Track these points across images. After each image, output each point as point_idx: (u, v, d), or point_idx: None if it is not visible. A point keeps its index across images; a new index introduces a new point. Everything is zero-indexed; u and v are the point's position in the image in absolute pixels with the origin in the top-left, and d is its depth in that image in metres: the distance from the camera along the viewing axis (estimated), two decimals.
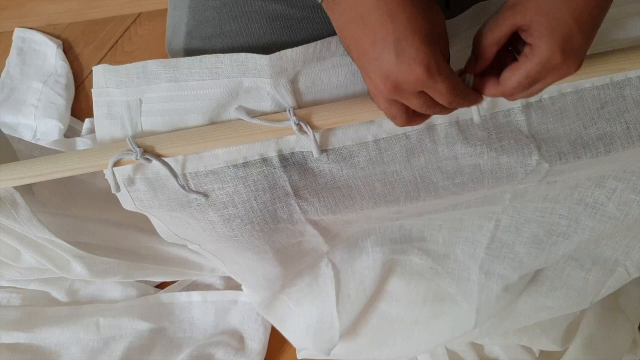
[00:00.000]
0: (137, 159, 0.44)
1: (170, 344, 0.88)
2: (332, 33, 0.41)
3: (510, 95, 0.39)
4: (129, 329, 0.86)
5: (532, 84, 0.37)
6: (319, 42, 0.43)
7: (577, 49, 0.35)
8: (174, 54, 0.50)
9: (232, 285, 0.92)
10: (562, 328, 0.77)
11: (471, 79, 0.40)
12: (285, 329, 0.80)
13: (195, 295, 0.90)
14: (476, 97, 0.39)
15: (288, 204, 0.49)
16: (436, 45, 0.34)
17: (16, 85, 1.03)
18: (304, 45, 0.43)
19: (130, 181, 0.48)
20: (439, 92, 0.36)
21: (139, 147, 0.44)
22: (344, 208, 0.50)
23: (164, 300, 0.89)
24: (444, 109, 0.39)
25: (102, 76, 0.46)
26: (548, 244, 0.63)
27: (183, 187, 0.46)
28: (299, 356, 0.87)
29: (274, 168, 0.46)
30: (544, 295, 0.71)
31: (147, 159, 0.44)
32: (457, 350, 0.83)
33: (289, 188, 0.48)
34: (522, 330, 0.77)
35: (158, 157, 0.45)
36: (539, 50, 0.35)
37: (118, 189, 0.47)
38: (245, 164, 0.46)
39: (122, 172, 0.47)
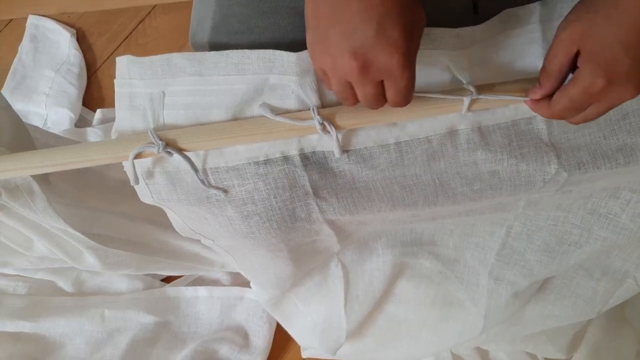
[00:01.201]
0: (158, 152, 0.44)
1: (175, 338, 0.88)
2: None
3: (562, 118, 0.39)
4: (134, 321, 0.86)
5: (578, 108, 0.37)
6: None
7: (626, 73, 0.34)
8: (198, 48, 0.50)
9: (238, 281, 0.92)
10: (568, 336, 0.77)
11: (474, 91, 0.42)
12: (291, 327, 0.80)
13: (202, 290, 0.90)
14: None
15: (307, 203, 0.49)
16: (414, 39, 0.33)
17: (28, 73, 1.03)
18: None
19: (150, 174, 0.47)
20: (398, 87, 0.35)
21: (161, 140, 0.44)
22: (362, 209, 0.50)
23: (170, 294, 0.89)
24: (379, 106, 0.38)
25: (125, 67, 0.46)
26: (559, 252, 0.63)
27: (203, 182, 0.46)
28: (304, 355, 0.87)
29: (294, 166, 0.46)
30: (551, 303, 0.71)
31: (169, 152, 0.44)
32: (463, 355, 0.83)
33: (308, 187, 0.47)
34: (528, 337, 0.77)
35: (180, 151, 0.44)
36: (582, 75, 0.35)
37: (137, 181, 0.47)
38: (267, 162, 0.46)
39: (142, 164, 0.47)
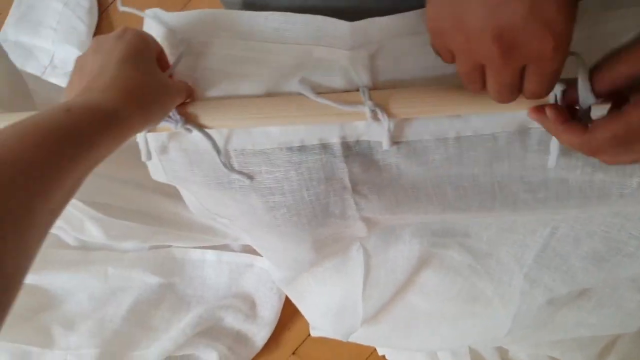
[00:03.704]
0: (176, 129, 0.37)
1: (180, 301, 0.84)
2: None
3: (596, 152, 0.31)
4: (138, 281, 0.82)
5: (622, 146, 0.29)
6: (412, 12, 0.35)
7: None
8: (229, 5, 0.42)
9: (249, 248, 0.87)
10: (599, 346, 0.72)
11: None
12: (303, 305, 0.76)
13: (210, 254, 0.86)
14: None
15: (344, 199, 0.42)
16: (573, 16, 0.26)
17: (34, 3, 0.94)
18: (395, 15, 0.34)
19: (164, 149, 0.41)
20: (544, 74, 0.28)
21: (180, 114, 0.37)
22: (406, 210, 0.44)
23: (176, 255, 0.85)
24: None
25: (153, 24, 0.38)
26: (610, 263, 0.57)
27: (225, 165, 0.39)
28: (312, 333, 0.83)
29: (334, 156, 0.39)
30: (588, 311, 0.65)
31: (188, 129, 0.37)
32: (480, 351, 0.79)
33: (347, 181, 0.41)
34: (557, 342, 0.72)
35: (201, 128, 0.38)
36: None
37: (149, 157, 0.40)
38: (302, 148, 0.39)
39: (156, 138, 0.40)
